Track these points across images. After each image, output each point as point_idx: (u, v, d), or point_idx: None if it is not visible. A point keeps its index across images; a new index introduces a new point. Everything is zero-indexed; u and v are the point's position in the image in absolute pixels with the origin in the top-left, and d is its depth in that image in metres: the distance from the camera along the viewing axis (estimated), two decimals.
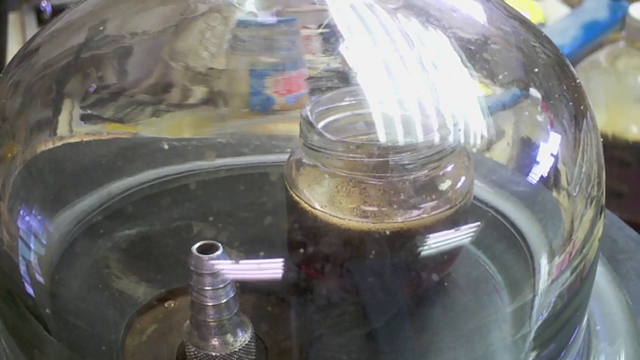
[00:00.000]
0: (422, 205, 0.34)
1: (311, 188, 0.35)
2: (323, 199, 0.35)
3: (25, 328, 0.34)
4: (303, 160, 0.36)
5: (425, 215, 0.34)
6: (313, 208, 0.35)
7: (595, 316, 0.37)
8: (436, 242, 0.35)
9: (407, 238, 0.34)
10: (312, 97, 0.36)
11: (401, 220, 0.34)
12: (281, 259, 0.35)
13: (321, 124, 0.36)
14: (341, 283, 0.35)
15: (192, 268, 0.31)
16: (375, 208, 0.34)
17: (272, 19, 0.35)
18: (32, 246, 0.34)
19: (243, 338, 0.32)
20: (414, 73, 0.35)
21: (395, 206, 0.34)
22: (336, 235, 0.34)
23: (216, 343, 0.32)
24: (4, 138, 0.35)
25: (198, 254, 0.31)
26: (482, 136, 0.34)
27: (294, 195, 0.35)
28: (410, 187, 0.35)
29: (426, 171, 0.35)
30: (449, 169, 0.35)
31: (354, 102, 0.36)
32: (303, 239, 0.36)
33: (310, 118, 0.35)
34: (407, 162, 0.34)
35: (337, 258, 0.35)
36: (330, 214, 0.34)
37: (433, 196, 0.34)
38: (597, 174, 0.35)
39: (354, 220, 0.34)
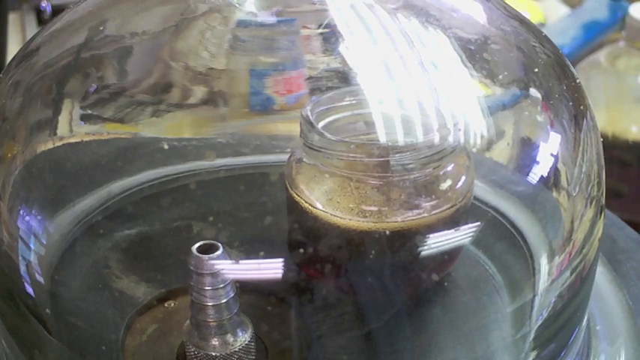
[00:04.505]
0: (422, 205, 0.34)
1: (311, 188, 0.35)
2: (323, 199, 0.35)
3: (25, 328, 0.34)
4: (304, 160, 0.36)
5: (425, 215, 0.34)
6: (313, 207, 0.35)
7: (595, 316, 0.37)
8: (436, 242, 0.35)
9: (407, 238, 0.34)
10: (312, 97, 0.36)
11: (401, 219, 0.34)
12: (281, 259, 0.35)
13: (321, 124, 0.36)
14: (341, 283, 0.35)
15: (192, 268, 0.31)
16: (375, 208, 0.34)
17: (272, 19, 0.35)
18: (32, 246, 0.34)
19: (243, 338, 0.32)
20: (414, 73, 0.35)
21: (395, 206, 0.34)
22: (337, 235, 0.34)
23: (216, 343, 0.32)
24: (4, 138, 0.35)
25: (198, 254, 0.31)
26: (482, 136, 0.34)
27: (294, 195, 0.35)
28: (410, 187, 0.35)
29: (426, 171, 0.35)
30: (449, 168, 0.35)
31: (354, 102, 0.36)
32: (304, 239, 0.36)
33: (310, 118, 0.35)
34: (407, 162, 0.34)
35: (337, 258, 0.35)
36: (330, 214, 0.34)
37: (433, 196, 0.34)
38: (597, 174, 0.35)
39: (354, 219, 0.34)
